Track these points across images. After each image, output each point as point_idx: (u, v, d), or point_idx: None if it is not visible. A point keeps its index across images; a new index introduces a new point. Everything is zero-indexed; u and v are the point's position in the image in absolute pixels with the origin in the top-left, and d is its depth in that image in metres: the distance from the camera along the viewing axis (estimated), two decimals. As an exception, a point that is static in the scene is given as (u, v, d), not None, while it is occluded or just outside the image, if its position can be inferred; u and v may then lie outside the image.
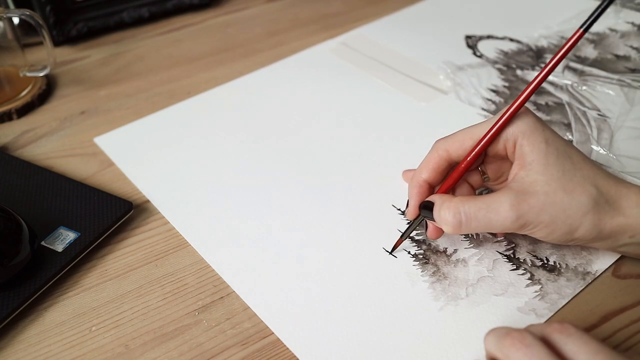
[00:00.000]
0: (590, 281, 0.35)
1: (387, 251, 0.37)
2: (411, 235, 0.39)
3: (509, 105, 0.33)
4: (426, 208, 0.34)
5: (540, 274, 0.36)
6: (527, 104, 0.51)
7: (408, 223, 0.39)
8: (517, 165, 0.33)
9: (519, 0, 0.70)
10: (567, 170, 0.32)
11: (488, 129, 0.33)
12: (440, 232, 0.36)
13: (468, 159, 0.34)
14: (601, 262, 0.36)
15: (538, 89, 0.53)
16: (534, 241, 0.38)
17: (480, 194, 0.41)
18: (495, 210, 0.31)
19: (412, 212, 0.36)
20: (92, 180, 0.45)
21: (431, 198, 0.34)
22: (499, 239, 0.38)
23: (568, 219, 0.31)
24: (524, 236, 0.38)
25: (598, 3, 0.30)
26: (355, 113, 0.51)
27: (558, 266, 0.36)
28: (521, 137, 0.33)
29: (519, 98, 0.32)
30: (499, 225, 0.32)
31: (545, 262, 0.36)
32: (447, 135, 0.36)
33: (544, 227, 0.32)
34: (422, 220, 0.36)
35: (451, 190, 0.36)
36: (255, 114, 0.52)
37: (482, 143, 0.34)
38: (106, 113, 0.53)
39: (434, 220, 0.34)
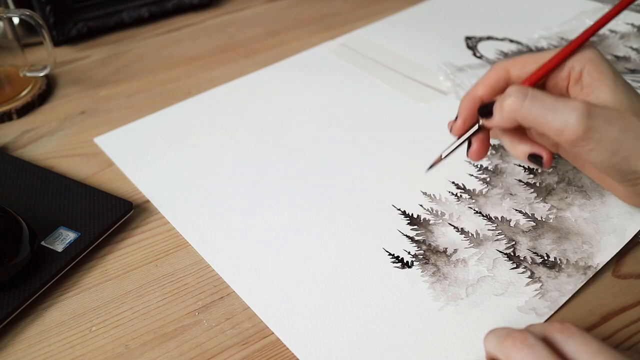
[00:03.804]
0: (591, 275, 0.35)
1: (428, 168, 0.36)
2: (411, 235, 0.39)
3: (578, 35, 0.32)
4: (485, 109, 0.33)
5: (541, 271, 0.36)
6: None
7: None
8: (585, 93, 0.32)
9: (519, 1, 0.70)
10: (635, 101, 0.31)
11: (555, 53, 0.33)
12: (484, 151, 0.35)
13: (535, 73, 0.33)
14: (602, 255, 0.36)
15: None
16: (534, 238, 0.38)
17: None
18: (564, 102, 0.30)
19: (460, 126, 0.34)
20: (92, 180, 0.45)
21: (492, 99, 0.33)
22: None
23: (636, 141, 0.30)
24: (524, 233, 0.38)
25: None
26: (355, 113, 0.51)
27: (559, 262, 0.36)
28: (589, 65, 0.32)
29: (590, 29, 0.32)
30: (561, 121, 0.29)
31: (546, 258, 0.36)
32: (509, 58, 0.35)
33: (608, 144, 0.29)
34: (468, 138, 0.34)
35: None
36: (255, 114, 0.52)
37: (552, 60, 0.32)
38: (106, 113, 0.53)
39: (491, 117, 0.32)
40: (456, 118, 0.35)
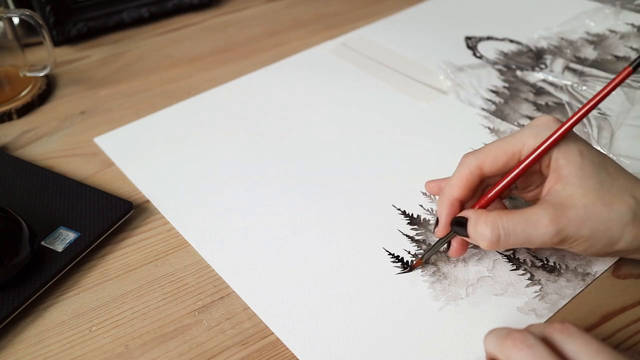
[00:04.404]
0: (590, 282, 0.35)
1: (405, 270, 0.36)
2: (411, 235, 0.39)
3: (556, 128, 0.32)
4: (459, 224, 0.33)
5: (540, 274, 0.36)
6: (528, 104, 0.51)
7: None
8: (553, 178, 0.32)
9: (519, 1, 0.70)
10: (604, 182, 0.31)
11: (529, 146, 0.33)
12: (463, 251, 0.35)
13: (510, 177, 0.33)
14: (601, 264, 0.36)
15: (537, 89, 0.53)
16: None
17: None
18: (534, 225, 0.31)
19: (442, 230, 0.35)
20: (92, 180, 0.45)
21: (464, 214, 0.33)
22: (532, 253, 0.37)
23: (608, 231, 0.31)
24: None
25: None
26: (355, 113, 0.51)
27: (558, 267, 0.36)
28: (556, 151, 0.32)
29: (569, 121, 0.32)
30: (538, 240, 0.31)
31: (545, 262, 0.36)
32: (476, 150, 0.35)
33: (583, 241, 0.31)
34: (449, 238, 0.35)
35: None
36: (255, 114, 0.52)
37: (526, 162, 0.33)
38: (106, 113, 0.53)
39: (467, 237, 0.33)
40: (436, 222, 0.36)
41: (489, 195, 0.34)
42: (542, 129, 0.33)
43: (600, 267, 0.36)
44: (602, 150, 0.44)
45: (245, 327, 0.34)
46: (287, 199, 0.42)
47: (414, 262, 0.37)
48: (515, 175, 0.33)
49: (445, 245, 0.36)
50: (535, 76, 0.55)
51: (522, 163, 0.33)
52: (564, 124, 0.32)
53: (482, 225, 0.32)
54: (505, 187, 0.33)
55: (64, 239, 0.38)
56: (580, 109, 0.32)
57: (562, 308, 0.34)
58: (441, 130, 0.49)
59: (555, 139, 0.32)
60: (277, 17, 0.70)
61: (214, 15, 0.72)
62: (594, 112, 0.49)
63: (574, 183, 0.31)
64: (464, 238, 0.34)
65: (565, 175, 0.32)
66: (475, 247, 0.37)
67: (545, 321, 0.33)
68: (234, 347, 0.33)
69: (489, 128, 0.48)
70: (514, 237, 0.31)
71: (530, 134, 0.33)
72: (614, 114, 0.48)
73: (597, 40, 0.60)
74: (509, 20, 0.66)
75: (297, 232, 0.39)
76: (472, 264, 0.37)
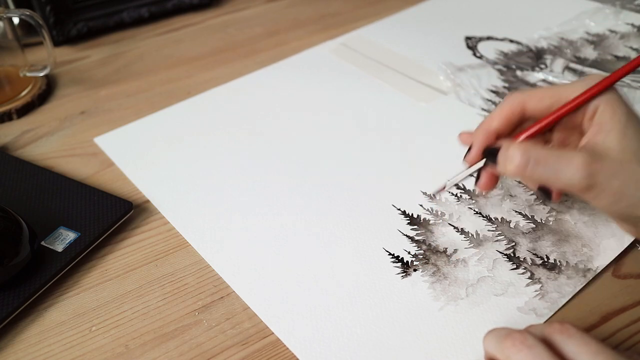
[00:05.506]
0: (591, 278, 0.35)
1: (430, 195, 0.35)
2: (411, 235, 0.39)
3: (606, 75, 0.32)
4: (491, 154, 0.33)
5: (541, 272, 0.36)
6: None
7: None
8: (593, 131, 0.32)
9: (519, 1, 0.70)
10: None
11: (579, 93, 0.32)
12: (492, 184, 0.35)
13: (553, 116, 0.32)
14: (602, 258, 0.36)
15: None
16: (534, 239, 0.38)
17: None
18: (566, 161, 0.30)
19: (474, 156, 0.34)
20: (92, 180, 0.45)
21: (498, 144, 0.33)
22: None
23: (637, 191, 0.30)
24: (524, 234, 0.38)
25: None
26: (355, 113, 0.51)
27: (558, 264, 0.36)
28: (604, 104, 0.32)
29: (621, 69, 0.31)
30: (565, 179, 0.30)
31: (546, 260, 0.36)
32: (525, 89, 0.34)
33: (611, 194, 0.30)
34: (476, 168, 0.34)
35: None
36: (255, 114, 0.52)
37: (572, 104, 0.32)
38: (106, 113, 0.53)
39: (497, 164, 0.32)
40: (469, 148, 0.35)
41: (531, 131, 0.33)
42: (593, 81, 0.32)
43: (601, 262, 0.36)
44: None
45: (245, 327, 0.34)
46: (287, 199, 0.42)
47: (438, 189, 0.36)
48: (558, 114, 0.32)
49: (475, 178, 0.35)
50: (535, 76, 0.55)
51: (567, 105, 0.32)
52: (613, 73, 0.32)
53: (514, 149, 0.31)
54: (547, 125, 0.33)
55: (64, 239, 0.38)
56: (631, 62, 0.32)
57: (562, 308, 0.34)
58: (441, 131, 0.49)
59: (604, 84, 0.31)
60: (277, 17, 0.70)
61: (214, 15, 0.72)
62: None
63: (614, 138, 0.31)
64: (492, 170, 0.33)
65: (607, 130, 0.31)
66: (476, 246, 0.37)
67: (545, 321, 0.33)
68: (234, 347, 0.33)
69: (489, 128, 0.48)
70: (543, 168, 0.30)
71: (581, 85, 0.33)
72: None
73: (597, 40, 0.60)
74: (509, 20, 0.66)
75: (297, 232, 0.39)
76: (472, 264, 0.37)
